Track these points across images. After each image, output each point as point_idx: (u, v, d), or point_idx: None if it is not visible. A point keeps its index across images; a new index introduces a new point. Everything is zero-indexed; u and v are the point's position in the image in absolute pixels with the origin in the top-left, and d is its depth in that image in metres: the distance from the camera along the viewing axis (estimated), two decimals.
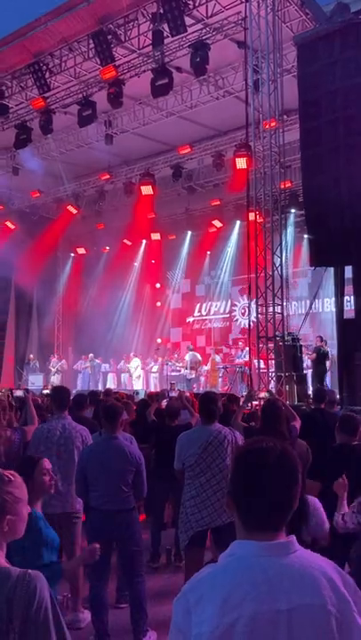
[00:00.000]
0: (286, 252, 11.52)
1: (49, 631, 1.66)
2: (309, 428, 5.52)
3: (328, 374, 13.74)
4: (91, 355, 19.98)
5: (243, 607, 1.37)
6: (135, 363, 19.44)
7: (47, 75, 12.76)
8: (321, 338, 14.31)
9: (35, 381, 18.64)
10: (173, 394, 9.80)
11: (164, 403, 7.89)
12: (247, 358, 12.94)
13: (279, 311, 10.71)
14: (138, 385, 18.47)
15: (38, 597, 1.67)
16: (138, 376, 19.30)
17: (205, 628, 1.37)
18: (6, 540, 1.83)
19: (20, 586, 1.67)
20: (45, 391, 15.57)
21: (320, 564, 1.47)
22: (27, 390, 7.08)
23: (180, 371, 18.36)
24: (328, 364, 13.57)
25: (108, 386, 18.33)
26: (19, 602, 1.64)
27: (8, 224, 19.23)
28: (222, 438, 4.48)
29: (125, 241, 21.01)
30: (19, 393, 12.37)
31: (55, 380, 19.17)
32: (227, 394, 10.58)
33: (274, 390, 10.60)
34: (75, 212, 18.88)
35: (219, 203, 18.65)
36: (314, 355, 13.59)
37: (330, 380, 13.96)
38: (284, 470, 1.48)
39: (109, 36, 11.71)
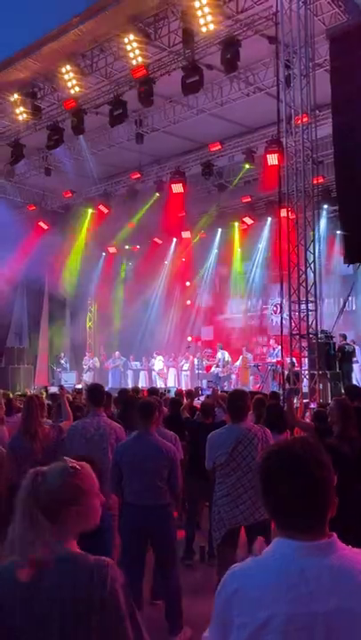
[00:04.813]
0: (319, 249, 11.37)
1: (123, 614, 1.71)
2: None
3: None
4: (117, 353, 20.11)
5: (278, 606, 1.36)
6: (158, 361, 19.53)
7: (79, 75, 12.88)
8: (345, 336, 14.04)
9: (68, 379, 18.89)
10: (208, 392, 9.80)
11: (198, 401, 7.89)
12: (279, 356, 12.83)
13: (312, 308, 10.58)
14: (164, 383, 18.54)
15: (111, 582, 1.72)
16: (160, 373, 19.38)
17: (245, 620, 1.39)
18: (75, 530, 1.84)
19: (97, 570, 1.73)
20: (78, 386, 15.78)
21: None
22: (61, 387, 7.18)
23: (208, 369, 18.37)
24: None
25: (139, 384, 18.43)
26: (96, 585, 1.71)
27: (41, 224, 19.52)
28: (252, 436, 4.43)
29: (156, 239, 21.11)
30: (53, 390, 12.57)
31: (87, 377, 19.39)
32: (258, 392, 10.52)
33: (307, 389, 10.50)
34: (106, 211, 19.03)
35: (250, 199, 18.55)
36: (339, 354, 13.32)
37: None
38: (313, 469, 1.45)
39: (140, 35, 11.75)
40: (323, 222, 16.38)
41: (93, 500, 1.88)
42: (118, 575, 1.75)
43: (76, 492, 1.82)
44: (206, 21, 10.57)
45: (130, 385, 18.13)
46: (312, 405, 9.25)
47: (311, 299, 10.55)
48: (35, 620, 1.69)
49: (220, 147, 16.13)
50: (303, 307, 10.53)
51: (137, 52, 11.68)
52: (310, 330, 10.50)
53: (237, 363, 17.93)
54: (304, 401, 9.58)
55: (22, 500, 1.81)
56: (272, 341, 17.12)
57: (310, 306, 10.54)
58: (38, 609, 1.69)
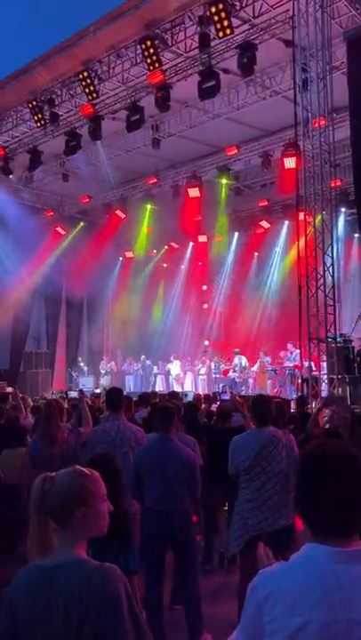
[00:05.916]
0: (338, 252, 11.29)
1: (123, 623, 1.70)
2: None
3: None
4: (143, 356, 20.14)
5: (314, 612, 1.35)
6: (175, 365, 19.51)
7: (96, 81, 12.99)
8: None
9: (85, 383, 18.96)
10: (225, 396, 9.77)
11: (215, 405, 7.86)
12: (297, 360, 12.73)
13: (331, 312, 10.50)
14: (181, 387, 18.50)
15: (112, 589, 1.71)
16: (177, 378, 19.34)
17: (277, 626, 1.37)
18: (84, 535, 1.85)
19: (95, 578, 1.72)
20: (97, 390, 15.87)
21: None
22: (81, 392, 7.22)
23: (226, 373, 18.28)
24: None
25: (156, 388, 18.42)
26: (93, 593, 1.70)
27: (59, 230, 19.68)
28: (276, 442, 4.40)
29: (172, 244, 21.15)
30: (73, 394, 12.64)
31: (104, 381, 19.44)
32: (276, 396, 10.45)
33: (326, 393, 10.40)
34: (123, 216, 19.12)
35: (266, 203, 18.50)
36: (358, 358, 13.15)
37: None
38: (349, 474, 1.44)
39: (157, 41, 11.81)
40: (341, 225, 16.26)
41: (101, 504, 1.88)
42: (119, 579, 1.75)
43: (83, 493, 1.83)
44: (223, 26, 10.58)
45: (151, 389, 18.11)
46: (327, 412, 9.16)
47: (330, 302, 10.47)
48: (40, 621, 1.72)
49: (236, 151, 16.13)
50: (321, 310, 10.45)
51: (153, 57, 11.73)
52: (329, 334, 10.42)
53: (255, 367, 17.83)
54: None
55: (32, 505, 1.84)
56: (290, 345, 16.99)
57: (329, 309, 10.47)
58: (41, 611, 1.73)
